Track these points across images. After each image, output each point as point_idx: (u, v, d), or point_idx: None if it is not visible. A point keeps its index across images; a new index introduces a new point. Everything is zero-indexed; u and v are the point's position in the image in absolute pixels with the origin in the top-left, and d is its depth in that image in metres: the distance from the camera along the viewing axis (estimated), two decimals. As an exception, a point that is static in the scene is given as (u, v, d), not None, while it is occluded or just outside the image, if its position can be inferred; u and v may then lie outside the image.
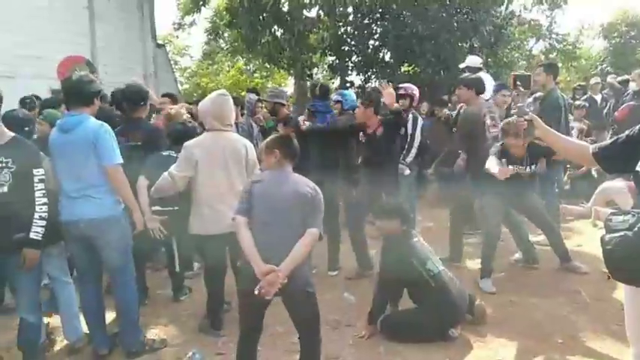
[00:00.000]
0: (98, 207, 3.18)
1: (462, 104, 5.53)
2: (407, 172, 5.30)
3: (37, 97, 6.19)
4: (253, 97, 6.97)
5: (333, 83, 14.50)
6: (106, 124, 3.22)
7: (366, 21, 12.60)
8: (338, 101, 6.34)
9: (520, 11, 14.35)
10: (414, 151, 5.45)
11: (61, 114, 4.18)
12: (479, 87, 4.92)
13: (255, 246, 2.61)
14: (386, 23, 12.23)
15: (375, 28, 12.75)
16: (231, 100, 3.71)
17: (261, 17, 11.49)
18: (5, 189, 2.92)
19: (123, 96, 4.42)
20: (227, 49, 17.87)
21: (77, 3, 10.38)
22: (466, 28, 11.44)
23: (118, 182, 3.18)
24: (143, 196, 3.57)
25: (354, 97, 6.92)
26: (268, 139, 2.95)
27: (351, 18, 12.72)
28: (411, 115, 5.47)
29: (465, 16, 11.65)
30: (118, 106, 4.95)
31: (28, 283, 3.08)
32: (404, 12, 11.69)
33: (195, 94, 18.34)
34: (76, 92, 3.26)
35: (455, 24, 11.53)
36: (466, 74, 5.54)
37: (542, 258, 4.97)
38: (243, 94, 20.00)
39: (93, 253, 3.30)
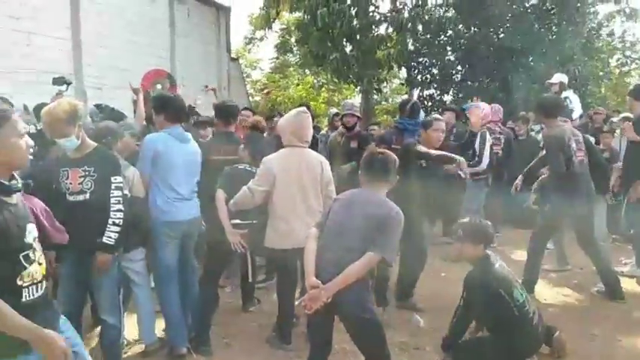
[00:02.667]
0: (197, 207, 3.78)
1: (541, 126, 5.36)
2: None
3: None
4: (333, 110, 7.15)
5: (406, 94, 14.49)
6: None
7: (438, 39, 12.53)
8: None
9: (605, 23, 13.70)
10: (482, 166, 5.56)
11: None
12: (552, 108, 4.70)
13: (314, 259, 2.63)
14: (461, 40, 12.12)
15: (448, 43, 12.65)
16: (310, 118, 3.77)
17: (330, 34, 11.62)
18: (87, 196, 3.11)
19: (217, 111, 4.65)
20: (296, 63, 18.23)
21: (161, 19, 10.95)
22: (547, 42, 11.08)
23: None
24: (222, 210, 3.68)
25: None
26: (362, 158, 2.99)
27: (420, 35, 12.68)
28: (478, 135, 5.54)
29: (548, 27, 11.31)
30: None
31: (107, 285, 3.24)
32: (479, 28, 11.51)
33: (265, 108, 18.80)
34: (179, 112, 3.77)
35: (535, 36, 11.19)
36: (548, 94, 5.36)
37: (628, 290, 4.67)
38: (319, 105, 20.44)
39: (181, 253, 3.69)
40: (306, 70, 20.53)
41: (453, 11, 12.06)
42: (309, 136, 3.73)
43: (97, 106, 6.10)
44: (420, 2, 11.83)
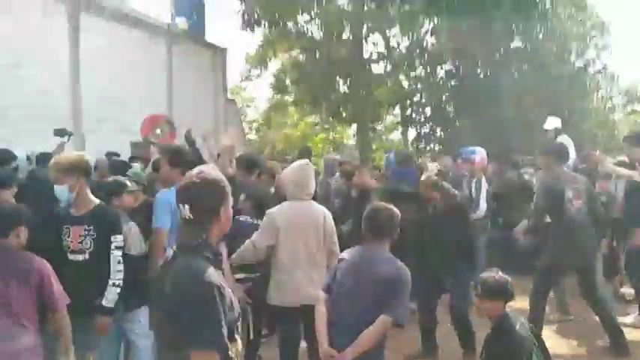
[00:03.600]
0: None
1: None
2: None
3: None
4: (331, 158, 7.22)
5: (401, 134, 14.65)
6: None
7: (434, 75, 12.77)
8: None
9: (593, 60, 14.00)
10: (480, 212, 5.75)
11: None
12: (561, 155, 4.75)
13: (325, 326, 2.57)
14: (452, 81, 12.34)
15: (440, 82, 12.87)
16: (313, 171, 3.77)
17: (328, 74, 11.82)
18: (87, 256, 3.08)
19: (238, 163, 4.72)
20: (293, 102, 18.47)
21: (158, 62, 11.07)
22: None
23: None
24: (225, 264, 3.62)
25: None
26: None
27: (416, 73, 12.90)
28: (474, 181, 5.89)
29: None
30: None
31: (106, 345, 3.16)
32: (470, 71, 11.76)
33: (262, 147, 18.93)
34: (191, 163, 3.62)
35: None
36: (551, 142, 5.45)
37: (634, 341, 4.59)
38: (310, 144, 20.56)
39: None
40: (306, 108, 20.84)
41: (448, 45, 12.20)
42: (312, 188, 3.72)
43: (108, 155, 6.14)
44: (415, 37, 12.05)
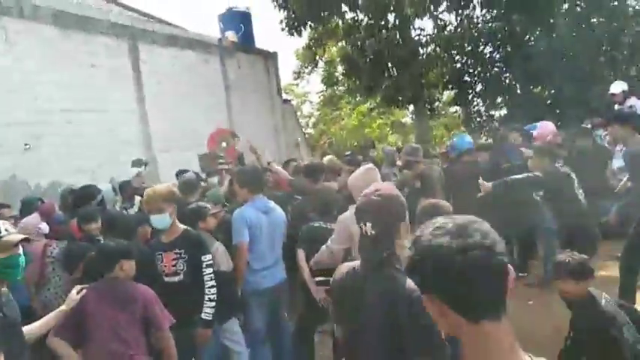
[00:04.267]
0: (282, 271, 4.01)
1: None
2: None
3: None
4: (391, 149, 7.25)
5: (458, 116, 14.33)
6: None
7: (487, 49, 12.36)
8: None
9: None
10: None
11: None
12: (636, 122, 4.52)
13: None
14: (508, 48, 11.85)
15: (496, 54, 12.43)
16: (377, 173, 3.88)
17: (380, 63, 11.79)
18: (182, 276, 3.38)
19: (305, 171, 5.01)
20: (346, 93, 18.55)
21: (214, 75, 11.54)
22: (602, 40, 10.56)
23: None
24: (305, 269, 3.83)
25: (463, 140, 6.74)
26: None
27: (468, 49, 12.55)
28: None
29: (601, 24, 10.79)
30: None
31: (208, 357, 3.46)
32: (527, 32, 11.23)
33: (320, 141, 19.16)
34: (258, 182, 4.03)
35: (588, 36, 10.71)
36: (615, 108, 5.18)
37: None
38: (368, 131, 20.59)
39: (271, 317, 3.93)
40: (358, 98, 20.84)
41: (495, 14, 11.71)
42: (380, 190, 3.83)
43: (179, 172, 6.53)
44: (466, 15, 11.74)
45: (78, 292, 2.86)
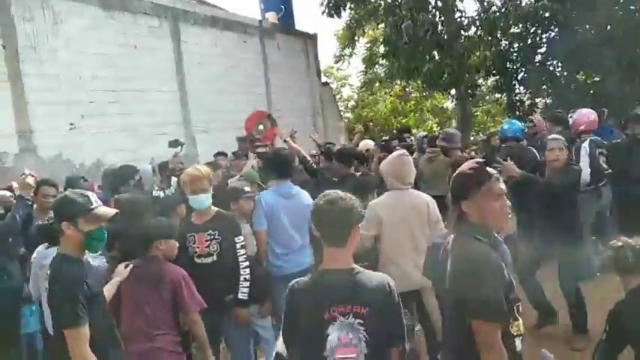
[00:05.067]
0: (308, 256, 3.79)
1: None
2: None
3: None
4: (422, 134, 7.10)
5: (501, 104, 13.92)
6: None
7: (531, 32, 11.87)
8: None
9: None
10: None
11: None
12: None
13: None
14: (552, 34, 11.38)
15: (540, 39, 11.93)
16: (411, 160, 3.82)
17: (419, 45, 11.51)
18: (215, 257, 3.42)
19: (337, 156, 4.99)
20: (385, 75, 18.30)
21: (254, 57, 11.58)
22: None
23: None
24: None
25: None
26: None
27: (513, 30, 12.08)
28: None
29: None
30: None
31: (240, 339, 3.52)
32: (573, 15, 10.70)
33: (358, 125, 19.02)
34: (285, 167, 4.01)
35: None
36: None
37: None
38: (404, 120, 20.32)
39: None
40: (393, 82, 20.55)
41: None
42: (412, 177, 3.78)
43: (218, 154, 6.60)
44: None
45: (125, 267, 2.96)
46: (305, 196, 4.02)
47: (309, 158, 5.75)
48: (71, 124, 7.23)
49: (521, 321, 2.03)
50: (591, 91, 10.70)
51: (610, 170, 5.35)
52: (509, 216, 2.15)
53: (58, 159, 7.03)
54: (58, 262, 2.42)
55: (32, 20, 6.90)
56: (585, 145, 5.30)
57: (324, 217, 2.10)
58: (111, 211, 2.48)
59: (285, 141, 5.55)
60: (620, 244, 2.92)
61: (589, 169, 5.14)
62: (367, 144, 7.18)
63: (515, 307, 2.00)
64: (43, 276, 3.35)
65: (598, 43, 9.94)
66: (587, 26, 10.25)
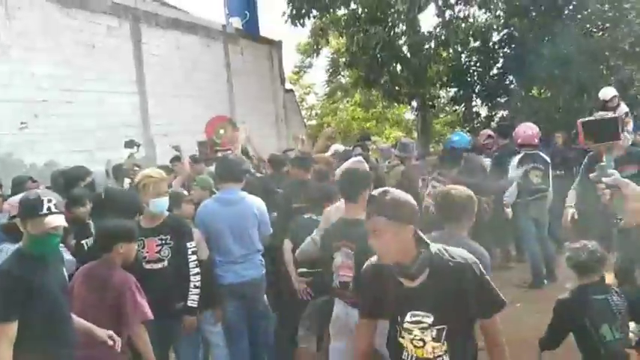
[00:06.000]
0: (255, 268, 3.83)
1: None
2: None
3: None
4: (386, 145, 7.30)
5: (458, 115, 14.28)
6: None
7: (488, 46, 12.28)
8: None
9: None
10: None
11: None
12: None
13: None
14: (507, 50, 11.82)
15: (497, 54, 12.37)
16: (366, 166, 3.88)
17: (378, 57, 11.70)
18: (165, 263, 3.37)
19: (293, 162, 4.96)
20: (347, 84, 18.53)
21: (217, 61, 11.49)
22: (601, 47, 10.53)
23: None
24: (289, 260, 3.85)
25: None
26: None
27: (471, 45, 12.47)
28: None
29: (601, 33, 10.79)
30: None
31: (188, 347, 3.48)
32: (530, 34, 11.15)
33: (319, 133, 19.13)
34: (229, 172, 3.86)
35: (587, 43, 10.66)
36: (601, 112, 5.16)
37: None
38: (363, 124, 20.56)
39: (248, 313, 3.84)
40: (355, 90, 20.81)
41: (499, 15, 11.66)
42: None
43: (173, 159, 6.52)
44: (464, 14, 11.68)
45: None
46: (249, 203, 3.90)
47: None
48: (22, 123, 6.98)
49: None
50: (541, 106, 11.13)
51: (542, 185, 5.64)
52: None
53: (8, 158, 6.78)
54: (10, 256, 2.48)
55: (-16, 15, 6.66)
56: (515, 160, 5.58)
57: (343, 177, 3.39)
58: (58, 222, 2.41)
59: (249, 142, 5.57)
60: (577, 245, 3.19)
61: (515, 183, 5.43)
62: (337, 148, 7.27)
63: None
64: None
65: (551, 61, 10.37)
66: (544, 42, 10.67)
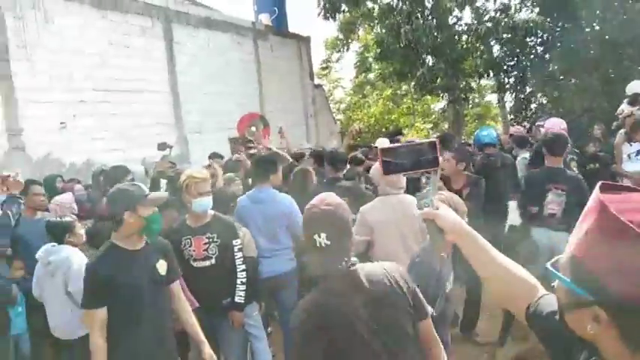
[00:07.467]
0: (282, 263, 3.91)
1: None
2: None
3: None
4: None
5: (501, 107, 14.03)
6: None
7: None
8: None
9: None
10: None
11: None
12: None
13: None
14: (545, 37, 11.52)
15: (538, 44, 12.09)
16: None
17: (414, 49, 11.58)
18: (213, 261, 3.39)
19: (328, 158, 4.88)
20: (377, 78, 18.35)
21: (247, 59, 11.56)
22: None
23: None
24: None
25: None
26: None
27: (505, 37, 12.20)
28: None
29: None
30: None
31: (237, 342, 3.51)
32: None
33: (349, 128, 19.06)
34: (259, 168, 3.99)
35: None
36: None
37: None
38: (393, 117, 20.37)
39: (280, 306, 3.97)
40: (385, 84, 20.58)
41: (538, 11, 11.48)
42: (403, 182, 3.77)
43: (213, 156, 6.57)
44: (502, 8, 11.45)
45: None
46: (279, 202, 3.95)
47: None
48: (62, 123, 7.17)
49: None
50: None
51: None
52: None
53: (47, 158, 6.97)
54: (102, 251, 2.66)
55: (23, 19, 6.84)
56: None
57: None
58: (161, 195, 2.76)
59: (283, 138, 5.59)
60: None
61: None
62: (382, 142, 7.24)
63: None
64: (49, 274, 3.40)
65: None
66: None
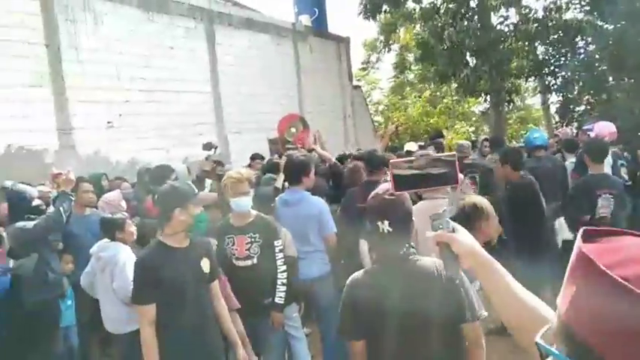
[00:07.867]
0: (313, 267, 3.87)
1: None
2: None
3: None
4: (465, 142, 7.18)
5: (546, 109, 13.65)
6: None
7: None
8: None
9: None
10: None
11: None
12: None
13: None
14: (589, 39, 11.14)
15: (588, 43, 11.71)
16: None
17: (458, 51, 11.39)
18: (255, 260, 3.41)
19: (366, 160, 4.80)
20: (417, 79, 18.14)
21: (287, 60, 11.62)
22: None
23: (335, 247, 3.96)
24: (365, 258, 3.80)
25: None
26: None
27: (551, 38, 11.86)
28: None
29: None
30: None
31: (276, 341, 3.51)
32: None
33: (386, 129, 18.89)
34: (289, 172, 4.02)
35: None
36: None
37: None
38: (432, 120, 20.08)
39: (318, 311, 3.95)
40: (424, 85, 20.28)
41: (588, 10, 11.09)
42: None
43: (253, 157, 6.61)
44: (552, 7, 11.12)
45: None
46: (310, 204, 3.92)
47: (334, 161, 5.79)
48: (109, 123, 7.37)
49: None
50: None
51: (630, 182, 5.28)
52: None
53: (96, 156, 7.18)
54: (151, 248, 2.74)
55: (74, 21, 7.06)
56: (608, 157, 5.21)
57: None
58: (211, 195, 2.89)
59: (309, 150, 5.57)
60: None
61: None
62: (411, 146, 7.19)
63: None
64: (99, 269, 3.50)
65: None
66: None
